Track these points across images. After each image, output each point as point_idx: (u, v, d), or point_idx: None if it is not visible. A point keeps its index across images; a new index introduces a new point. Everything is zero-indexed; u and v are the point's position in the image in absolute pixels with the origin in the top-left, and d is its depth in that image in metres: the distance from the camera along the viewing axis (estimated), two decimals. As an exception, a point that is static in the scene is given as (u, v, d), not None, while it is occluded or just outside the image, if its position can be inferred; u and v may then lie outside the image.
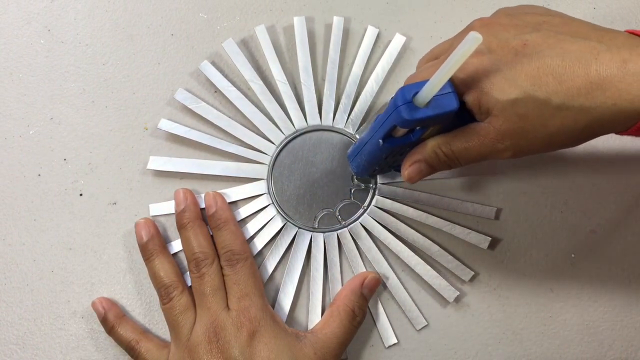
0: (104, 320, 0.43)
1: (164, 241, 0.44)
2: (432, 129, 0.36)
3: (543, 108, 0.32)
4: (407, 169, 0.38)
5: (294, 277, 0.44)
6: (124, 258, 0.45)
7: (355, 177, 0.46)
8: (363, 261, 0.45)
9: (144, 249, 0.43)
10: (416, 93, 0.33)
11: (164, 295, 0.42)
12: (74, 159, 0.46)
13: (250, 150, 0.46)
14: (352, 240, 0.45)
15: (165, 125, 0.46)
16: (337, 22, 0.48)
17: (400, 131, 0.36)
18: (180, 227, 0.43)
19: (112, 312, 0.43)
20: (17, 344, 0.43)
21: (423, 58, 0.40)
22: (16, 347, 0.43)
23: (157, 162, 0.45)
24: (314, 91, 0.47)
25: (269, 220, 0.45)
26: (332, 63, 0.47)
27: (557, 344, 0.44)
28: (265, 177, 0.46)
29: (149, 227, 0.43)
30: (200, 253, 0.42)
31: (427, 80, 0.32)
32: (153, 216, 0.45)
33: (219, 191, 0.45)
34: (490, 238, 0.45)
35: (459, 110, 0.34)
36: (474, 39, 0.29)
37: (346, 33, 0.49)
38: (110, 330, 0.43)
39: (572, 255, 0.46)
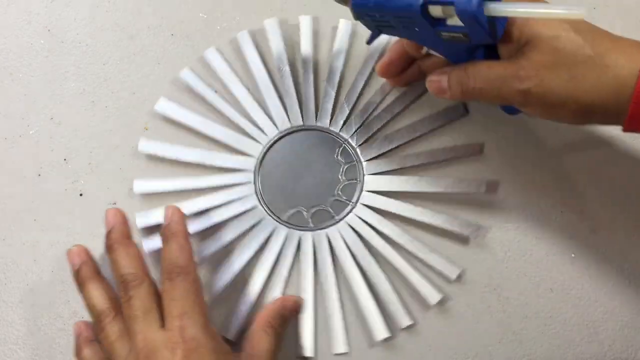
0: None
1: (98, 267, 0.42)
2: (451, 36, 0.36)
3: (576, 52, 0.34)
4: (430, 77, 0.40)
5: (283, 273, 0.44)
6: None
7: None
8: (354, 257, 0.44)
9: (75, 276, 0.41)
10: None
11: (97, 324, 0.39)
12: (74, 159, 0.46)
13: (237, 151, 0.46)
14: (340, 239, 0.45)
15: (145, 146, 0.45)
16: (306, 22, 0.48)
17: (438, 10, 0.35)
18: (108, 249, 0.41)
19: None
20: (17, 344, 0.43)
21: None
22: (16, 347, 0.43)
23: (142, 186, 0.45)
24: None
25: (258, 223, 0.45)
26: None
27: (557, 344, 0.44)
28: (253, 173, 0.46)
29: (81, 253, 0.42)
30: (128, 274, 0.39)
31: (515, 3, 0.33)
32: (141, 228, 0.44)
33: (205, 197, 0.44)
34: (485, 227, 0.44)
35: (489, 54, 0.36)
36: (577, 15, 0.32)
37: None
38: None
39: (572, 255, 0.46)
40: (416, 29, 0.37)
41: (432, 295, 0.44)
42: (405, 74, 0.45)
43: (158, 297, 0.38)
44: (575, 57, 0.34)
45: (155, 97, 0.47)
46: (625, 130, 0.35)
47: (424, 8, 0.35)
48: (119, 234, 0.41)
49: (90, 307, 0.40)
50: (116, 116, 0.47)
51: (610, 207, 0.46)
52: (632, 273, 0.45)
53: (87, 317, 0.44)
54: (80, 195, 0.46)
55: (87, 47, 0.48)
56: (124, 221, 0.42)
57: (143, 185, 0.45)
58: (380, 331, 0.43)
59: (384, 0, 0.36)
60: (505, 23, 0.36)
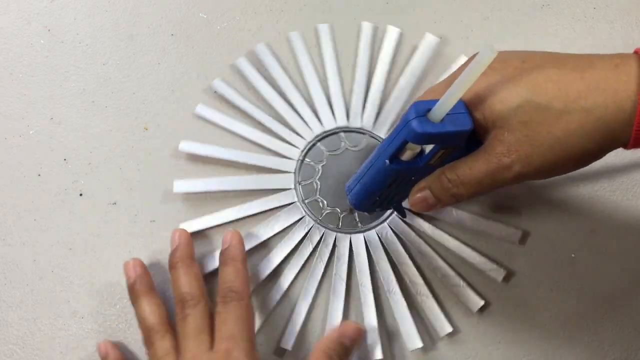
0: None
1: (152, 282, 0.43)
2: (440, 155, 0.35)
3: (546, 113, 0.32)
4: (412, 196, 0.38)
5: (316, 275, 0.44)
6: (124, 258, 0.44)
7: (351, 209, 0.44)
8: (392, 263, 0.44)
9: (130, 289, 0.42)
10: (429, 110, 0.32)
11: (146, 339, 0.40)
12: (74, 159, 0.46)
13: (277, 155, 0.46)
14: (364, 246, 0.45)
15: (187, 146, 0.45)
16: (366, 29, 0.48)
17: (408, 153, 0.35)
18: (171, 267, 0.42)
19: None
20: (17, 344, 0.43)
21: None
22: (16, 347, 0.43)
23: (183, 185, 0.45)
24: (323, 95, 0.47)
25: (298, 221, 0.45)
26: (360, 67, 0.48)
27: (557, 344, 0.44)
28: (293, 172, 0.46)
29: (136, 267, 0.42)
30: (187, 294, 0.40)
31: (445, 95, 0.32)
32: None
33: (246, 205, 0.44)
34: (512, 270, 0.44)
35: (471, 140, 0.34)
36: (490, 51, 0.29)
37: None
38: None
39: (572, 255, 0.46)
40: (412, 178, 0.37)
41: (444, 326, 0.43)
42: None
43: (211, 318, 0.40)
44: (546, 121, 0.32)
45: (156, 97, 0.47)
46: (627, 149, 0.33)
47: (395, 160, 0.35)
48: (184, 253, 0.42)
49: (142, 320, 0.41)
50: (116, 116, 0.47)
51: (610, 207, 0.46)
52: (631, 273, 0.45)
53: (87, 315, 0.44)
54: (80, 195, 0.46)
55: (87, 47, 0.48)
56: (189, 242, 0.43)
57: (184, 185, 0.45)
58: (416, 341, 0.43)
59: (367, 181, 0.38)
60: (466, 114, 0.33)
